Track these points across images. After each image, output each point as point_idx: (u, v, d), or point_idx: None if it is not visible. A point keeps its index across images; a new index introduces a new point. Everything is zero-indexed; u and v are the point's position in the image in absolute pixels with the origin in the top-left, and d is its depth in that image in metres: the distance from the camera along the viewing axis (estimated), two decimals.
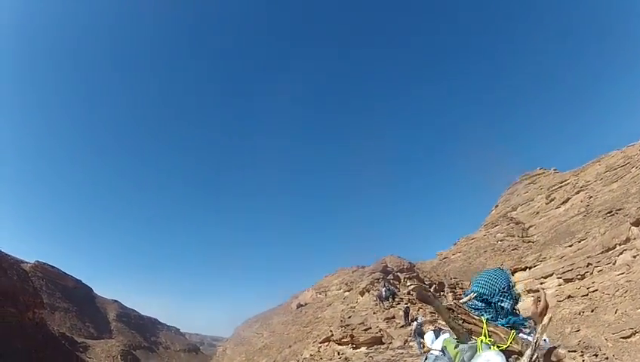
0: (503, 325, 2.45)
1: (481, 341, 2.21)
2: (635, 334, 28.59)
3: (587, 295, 38.17)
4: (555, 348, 2.34)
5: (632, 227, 35.62)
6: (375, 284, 62.53)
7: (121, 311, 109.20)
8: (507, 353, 2.22)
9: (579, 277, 40.53)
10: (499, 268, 2.96)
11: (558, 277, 43.50)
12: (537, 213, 58.49)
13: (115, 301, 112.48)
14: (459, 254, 67.01)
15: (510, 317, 2.54)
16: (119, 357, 68.61)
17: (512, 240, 58.20)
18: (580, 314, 37.04)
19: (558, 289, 42.94)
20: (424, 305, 47.96)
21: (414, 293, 2.50)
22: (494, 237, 62.03)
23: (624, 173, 43.75)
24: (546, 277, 45.11)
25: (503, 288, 2.58)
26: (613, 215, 39.50)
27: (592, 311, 35.82)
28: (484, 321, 2.31)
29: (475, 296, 2.65)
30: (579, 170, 53.82)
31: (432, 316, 40.95)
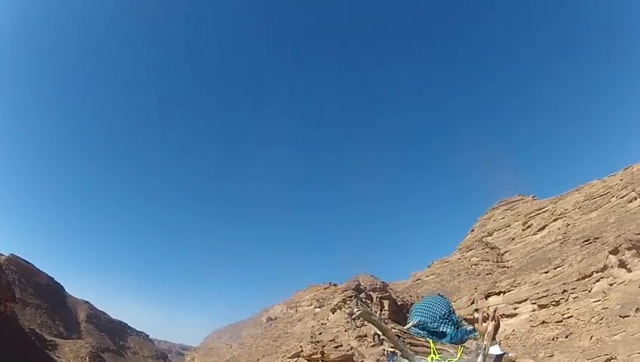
0: (449, 342, 2.53)
1: (432, 358, 2.24)
2: (610, 360, 28.29)
3: (562, 321, 38.07)
4: (504, 353, 2.36)
5: (610, 255, 35.78)
6: (347, 302, 61.68)
7: (91, 313, 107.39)
8: None
9: (553, 303, 40.49)
10: (438, 294, 3.07)
11: (532, 303, 43.43)
12: (513, 238, 58.80)
13: (86, 302, 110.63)
14: (432, 276, 66.76)
15: (452, 335, 2.60)
16: (87, 358, 66.88)
17: (486, 264, 58.21)
18: (553, 339, 36.83)
19: (532, 314, 42.83)
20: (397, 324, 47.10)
21: (360, 318, 2.57)
22: (469, 261, 62.04)
23: (603, 202, 44.30)
24: (520, 303, 44.99)
25: (444, 314, 2.66)
26: (590, 243, 39.74)
27: (566, 337, 35.63)
28: (431, 341, 2.38)
29: (417, 325, 2.68)
30: (557, 198, 54.44)
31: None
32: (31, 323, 71.40)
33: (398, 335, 2.54)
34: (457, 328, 2.69)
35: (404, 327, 2.70)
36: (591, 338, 32.26)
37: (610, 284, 35.19)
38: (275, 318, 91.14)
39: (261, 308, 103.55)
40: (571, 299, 38.68)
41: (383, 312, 64.49)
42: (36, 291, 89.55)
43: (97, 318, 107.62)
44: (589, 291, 37.06)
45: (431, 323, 2.68)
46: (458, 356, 2.31)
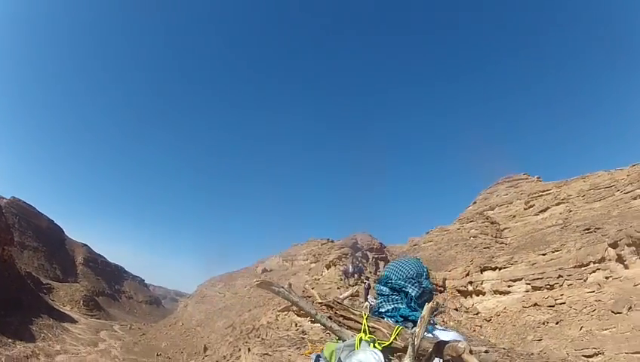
0: (402, 316, 2.38)
1: (360, 338, 2.07)
2: (597, 355, 29.52)
3: (554, 306, 39.20)
4: (446, 342, 2.13)
5: (609, 248, 36.45)
6: (343, 259, 62.92)
7: (88, 256, 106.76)
8: (392, 349, 2.12)
9: (548, 287, 41.50)
10: (415, 257, 2.96)
11: (526, 283, 44.46)
12: (514, 216, 59.47)
13: (85, 245, 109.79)
14: (430, 243, 67.88)
15: (415, 297, 2.47)
16: (81, 301, 67.26)
17: (485, 238, 59.13)
18: (544, 323, 38.08)
19: (525, 294, 43.99)
20: None
21: (259, 287, 2.45)
22: (468, 232, 62.92)
23: (608, 194, 44.59)
24: (514, 281, 46.02)
25: (412, 275, 2.56)
26: (591, 232, 40.32)
27: (556, 323, 36.84)
28: (365, 317, 2.19)
29: (383, 281, 2.62)
30: (562, 183, 54.66)
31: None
32: (28, 266, 72.09)
33: (330, 305, 2.40)
34: (423, 294, 2.55)
35: (344, 295, 2.76)
36: (580, 329, 33.41)
37: (606, 277, 36.07)
38: (271, 270, 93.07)
39: (257, 258, 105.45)
40: (566, 286, 39.67)
41: (378, 273, 65.87)
42: (35, 234, 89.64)
43: (94, 261, 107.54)
44: (584, 281, 38.00)
45: (396, 280, 2.59)
46: (391, 339, 2.12)
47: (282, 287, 2.32)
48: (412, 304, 2.48)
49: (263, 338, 38.93)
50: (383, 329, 2.17)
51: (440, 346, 2.06)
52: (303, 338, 30.97)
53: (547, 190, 56.06)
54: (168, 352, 37.39)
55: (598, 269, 37.25)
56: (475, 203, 71.14)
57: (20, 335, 37.06)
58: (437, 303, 2.19)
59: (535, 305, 41.46)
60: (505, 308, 44.94)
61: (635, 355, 26.57)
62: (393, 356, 2.13)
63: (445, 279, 53.93)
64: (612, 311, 32.02)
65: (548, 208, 52.90)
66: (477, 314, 47.01)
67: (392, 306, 2.48)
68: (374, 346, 2.05)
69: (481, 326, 44.75)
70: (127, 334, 49.07)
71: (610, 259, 36.49)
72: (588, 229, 41.44)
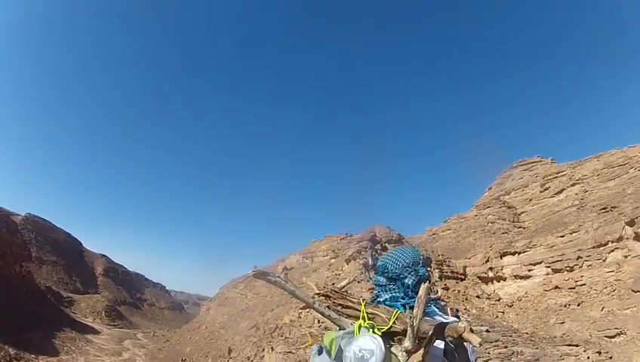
0: (401, 305, 2.43)
1: (359, 325, 2.12)
2: (619, 334, 29.68)
3: (574, 288, 39.26)
4: (447, 323, 2.15)
5: (627, 226, 36.36)
6: (362, 253, 63.18)
7: (108, 266, 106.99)
8: (392, 334, 2.17)
9: (568, 269, 41.50)
10: (411, 246, 2.97)
11: (546, 266, 44.45)
12: (530, 199, 59.24)
13: (103, 255, 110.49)
14: (448, 231, 67.94)
15: (412, 286, 2.52)
16: (103, 312, 68.20)
17: (503, 223, 59.05)
18: (565, 306, 38.20)
19: (545, 278, 44.04)
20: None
21: (256, 278, 2.48)
22: (485, 218, 62.86)
23: (622, 172, 44.24)
24: (534, 265, 46.06)
25: (408, 263, 2.58)
26: (607, 211, 40.17)
27: (578, 305, 36.95)
28: (363, 304, 2.25)
29: (380, 271, 2.65)
30: (576, 163, 54.21)
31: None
32: (47, 280, 72.56)
33: (327, 295, 2.45)
34: (420, 282, 2.53)
35: (342, 284, 2.69)
36: (602, 309, 33.53)
37: (625, 256, 35.98)
38: (291, 268, 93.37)
39: (277, 258, 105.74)
40: (585, 267, 39.64)
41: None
42: (53, 248, 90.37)
43: (114, 271, 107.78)
44: (604, 261, 37.95)
45: (393, 269, 2.61)
46: (390, 323, 2.17)
47: (278, 277, 2.42)
48: (410, 292, 2.51)
49: (286, 337, 39.68)
50: (382, 315, 2.21)
51: (440, 327, 2.07)
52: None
53: (562, 171, 55.67)
54: (193, 357, 37.99)
55: (617, 248, 37.17)
56: (490, 188, 70.89)
57: (42, 350, 37.37)
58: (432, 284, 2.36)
59: (556, 287, 41.53)
60: (526, 292, 45.07)
61: None
62: (394, 340, 2.15)
63: (465, 266, 54.06)
64: (632, 290, 32.08)
65: (563, 189, 52.62)
66: (498, 300, 47.20)
67: (390, 295, 2.52)
68: (373, 332, 2.09)
69: (503, 313, 44.94)
70: (151, 341, 49.48)
71: (627, 238, 36.39)
72: (604, 208, 41.29)
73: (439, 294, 9.37)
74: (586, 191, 47.53)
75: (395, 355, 2.00)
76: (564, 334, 33.32)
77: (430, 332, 2.03)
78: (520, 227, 56.10)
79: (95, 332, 50.99)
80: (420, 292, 2.14)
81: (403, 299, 2.47)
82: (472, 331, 1.97)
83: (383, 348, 1.94)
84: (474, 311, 44.76)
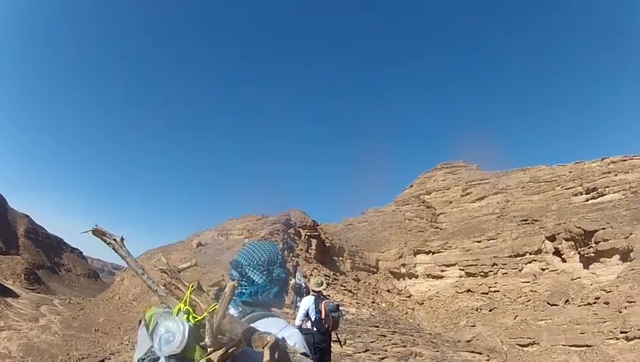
0: (244, 303, 2.34)
1: (179, 308, 1.99)
2: (532, 344, 29.81)
3: (487, 293, 39.69)
4: (256, 331, 1.93)
5: (547, 241, 37.06)
6: (274, 235, 61.07)
7: (30, 227, 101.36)
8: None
9: (482, 274, 41.97)
10: (272, 242, 2.89)
11: (460, 269, 44.86)
12: (451, 202, 60.14)
13: (26, 215, 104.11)
14: (365, 224, 67.46)
15: (262, 288, 2.38)
16: (23, 275, 63.04)
17: (420, 221, 59.37)
18: (477, 310, 38.45)
19: (458, 280, 44.41)
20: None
21: (94, 235, 2.23)
22: (403, 215, 62.97)
23: (548, 188, 45.72)
24: (448, 266, 46.38)
25: (262, 262, 2.41)
26: (528, 224, 40.99)
27: (490, 311, 37.26)
28: (190, 288, 2.06)
29: (234, 266, 2.50)
30: (502, 173, 55.78)
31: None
32: None
33: (165, 271, 2.24)
34: (272, 283, 2.37)
35: (184, 265, 2.40)
36: (515, 318, 33.82)
37: (542, 269, 36.77)
38: (205, 244, 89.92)
39: (193, 232, 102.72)
40: (500, 274, 40.22)
41: (310, 251, 64.92)
42: None
43: (35, 233, 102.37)
44: (520, 270, 38.63)
45: (245, 266, 2.41)
46: (203, 314, 1.91)
47: (114, 239, 2.16)
48: (258, 292, 2.35)
49: None
50: (202, 305, 2.00)
51: (249, 334, 1.89)
52: None
53: (486, 179, 57.00)
54: (105, 327, 35.57)
55: (534, 260, 37.97)
56: (412, 186, 71.42)
57: None
58: (235, 283, 1.93)
59: (468, 291, 41.88)
60: (437, 292, 45.20)
61: (572, 348, 26.82)
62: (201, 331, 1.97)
63: (378, 260, 53.70)
64: (548, 303, 32.56)
65: (485, 196, 53.78)
66: (409, 296, 47.04)
67: (238, 291, 2.33)
68: (188, 318, 1.90)
69: (413, 310, 44.76)
70: (67, 309, 47.00)
71: (547, 252, 37.21)
72: (525, 220, 42.17)
73: (324, 286, 8.22)
74: (508, 201, 48.73)
75: (199, 348, 1.88)
76: (474, 337, 33.18)
77: (237, 336, 1.88)
78: (437, 227, 56.69)
79: (15, 295, 47.39)
80: (226, 291, 1.96)
81: (252, 297, 2.34)
82: (276, 348, 1.83)
83: (186, 335, 1.83)
84: (383, 305, 44.20)
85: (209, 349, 1.83)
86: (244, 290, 2.40)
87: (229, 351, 1.84)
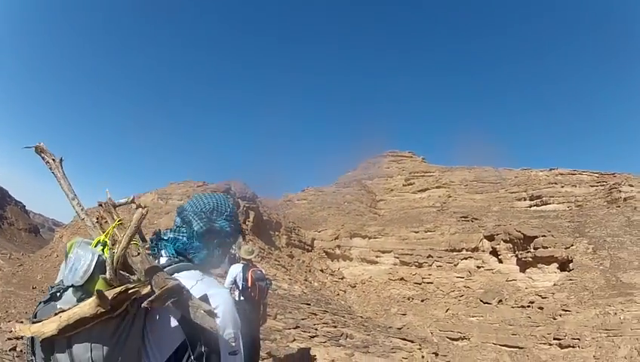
0: (177, 250, 2.12)
1: (99, 240, 1.95)
2: (463, 339, 30.40)
3: (420, 284, 40.15)
4: (160, 270, 1.82)
5: (485, 240, 37.85)
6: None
7: None
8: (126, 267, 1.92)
9: (416, 264, 42.41)
10: (225, 194, 2.80)
11: (395, 257, 45.15)
12: (392, 190, 60.45)
13: None
14: (304, 201, 66.60)
15: (197, 233, 2.15)
16: None
17: (359, 205, 59.31)
18: (409, 299, 38.81)
19: (392, 268, 44.69)
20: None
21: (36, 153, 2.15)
22: (343, 197, 62.66)
23: (492, 189, 46.84)
24: (383, 252, 46.57)
25: (207, 210, 2.19)
26: (468, 221, 41.70)
27: (422, 301, 37.71)
28: (117, 223, 1.99)
29: (178, 211, 2.32)
30: (446, 169, 56.64)
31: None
32: None
33: (101, 204, 2.16)
34: (212, 232, 2.13)
35: (121, 201, 2.14)
36: (447, 311, 34.39)
37: (478, 267, 37.63)
38: (145, 206, 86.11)
39: (133, 193, 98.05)
40: (435, 266, 40.80)
41: (247, 222, 63.38)
42: None
43: None
44: (455, 265, 39.34)
45: (188, 211, 2.21)
46: (117, 250, 1.79)
47: (52, 159, 2.07)
48: (193, 240, 2.11)
49: None
50: (121, 241, 1.90)
51: (153, 274, 1.73)
52: None
53: (429, 172, 57.73)
54: (43, 285, 33.22)
55: (471, 257, 38.78)
56: (355, 169, 71.16)
57: None
58: (146, 211, 1.83)
59: (402, 279, 42.22)
60: (371, 277, 45.31)
61: (503, 347, 27.43)
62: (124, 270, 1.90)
63: (314, 239, 53.10)
64: (481, 300, 33.29)
65: (427, 189, 54.44)
66: (342, 278, 46.84)
67: (173, 236, 2.13)
68: (103, 250, 1.84)
69: (345, 292, 44.62)
70: (7, 264, 44.21)
71: (484, 250, 38.08)
72: (465, 217, 42.94)
73: (255, 255, 7.51)
74: (450, 197, 49.55)
75: (102, 281, 1.78)
76: (404, 325, 33.36)
77: (144, 280, 1.76)
78: (376, 213, 56.84)
79: None
80: (135, 216, 1.86)
81: (184, 245, 2.10)
82: (177, 293, 1.67)
83: (92, 267, 1.77)
84: (316, 284, 43.72)
85: (106, 282, 1.72)
86: (179, 236, 2.15)
87: (130, 291, 1.71)
